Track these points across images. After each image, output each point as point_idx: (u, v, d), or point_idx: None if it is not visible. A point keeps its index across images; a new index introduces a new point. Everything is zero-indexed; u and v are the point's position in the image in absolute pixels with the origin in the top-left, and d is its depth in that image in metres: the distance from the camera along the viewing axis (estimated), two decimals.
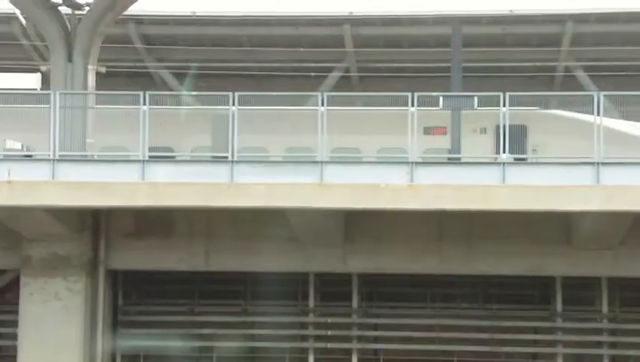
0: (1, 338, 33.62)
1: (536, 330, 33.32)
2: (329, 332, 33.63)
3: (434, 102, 31.61)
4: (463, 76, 36.52)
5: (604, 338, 33.08)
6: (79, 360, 32.31)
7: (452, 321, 33.34)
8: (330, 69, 43.36)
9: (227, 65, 43.16)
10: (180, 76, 42.90)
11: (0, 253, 32.86)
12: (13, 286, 32.94)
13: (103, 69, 34.92)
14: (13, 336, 32.56)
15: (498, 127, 30.29)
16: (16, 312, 32.46)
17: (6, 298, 33.47)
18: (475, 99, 31.69)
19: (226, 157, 29.88)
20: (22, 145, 32.28)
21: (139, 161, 29.97)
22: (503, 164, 29.56)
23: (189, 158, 32.27)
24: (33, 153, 31.73)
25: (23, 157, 31.67)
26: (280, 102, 32.58)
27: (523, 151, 31.42)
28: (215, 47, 43.22)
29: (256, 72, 43.37)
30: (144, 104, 30.33)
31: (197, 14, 42.40)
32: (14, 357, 32.38)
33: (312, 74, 42.58)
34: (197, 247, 32.74)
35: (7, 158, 31.00)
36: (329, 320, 33.70)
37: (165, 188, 29.84)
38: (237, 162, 29.70)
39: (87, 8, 34.32)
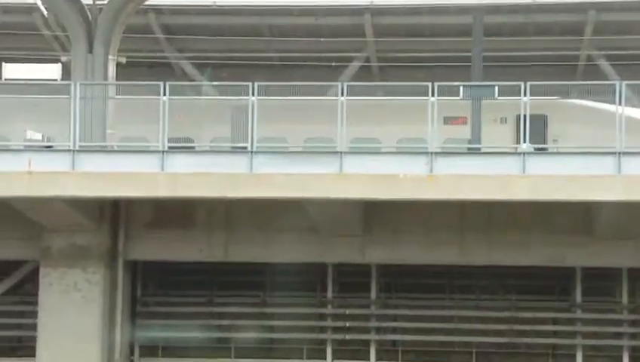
0: (21, 329, 33.62)
1: (555, 321, 33.30)
2: (347, 324, 33.56)
3: (454, 92, 31.57)
4: (484, 66, 36.10)
5: (624, 329, 32.93)
6: (98, 350, 32.31)
7: (471, 312, 33.31)
8: (350, 59, 43.33)
9: (247, 55, 43.22)
10: (200, 66, 42.93)
11: (20, 243, 32.74)
12: (33, 277, 32.84)
13: (124, 60, 34.72)
14: (33, 327, 32.54)
15: (519, 116, 30.41)
16: (35, 303, 32.57)
17: (25, 288, 33.40)
18: (496, 88, 31.67)
19: (246, 148, 29.81)
20: (42, 136, 31.98)
21: (158, 151, 29.99)
22: (524, 154, 29.47)
23: (208, 149, 32.12)
24: (53, 144, 31.51)
25: (44, 148, 31.42)
26: (300, 92, 32.33)
27: (544, 141, 31.75)
28: (235, 37, 43.12)
29: (277, 62, 43.40)
30: (164, 94, 30.32)
31: (217, 4, 42.43)
32: (33, 347, 32.42)
33: (332, 64, 42.46)
34: (216, 238, 32.71)
35: (28, 149, 30.94)
36: (347, 311, 33.65)
37: (185, 178, 29.84)
38: (256, 153, 29.69)
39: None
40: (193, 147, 32.44)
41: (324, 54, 42.94)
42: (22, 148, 31.31)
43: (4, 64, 34.87)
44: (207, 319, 33.86)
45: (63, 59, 36.14)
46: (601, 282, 33.27)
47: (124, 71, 35.20)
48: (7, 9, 42.20)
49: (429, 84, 29.90)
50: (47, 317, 32.22)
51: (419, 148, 29.83)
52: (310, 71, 41.01)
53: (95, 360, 32.30)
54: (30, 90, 32.52)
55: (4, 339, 34.04)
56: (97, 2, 34.29)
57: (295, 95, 31.75)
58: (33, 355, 32.50)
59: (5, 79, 33.74)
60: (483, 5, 39.73)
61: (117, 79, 34.26)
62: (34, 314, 32.57)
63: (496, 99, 31.51)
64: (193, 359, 33.89)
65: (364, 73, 43.09)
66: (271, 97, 30.59)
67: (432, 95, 29.63)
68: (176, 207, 32.09)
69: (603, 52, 42.14)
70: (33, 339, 32.51)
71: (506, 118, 32.76)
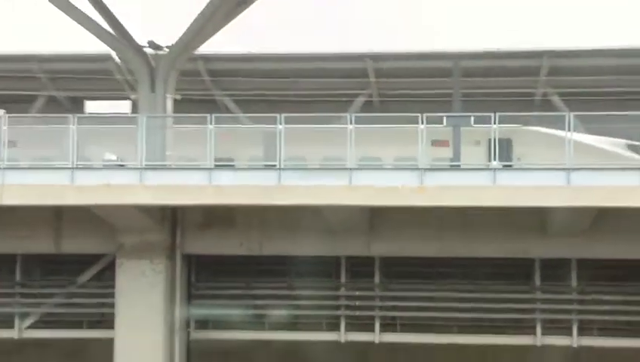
0: (103, 307, 34.11)
1: (519, 301, 33.78)
2: (357, 303, 34.31)
3: (439, 121, 32.74)
4: (462, 100, 37.29)
5: (573, 307, 33.59)
6: (162, 324, 33.03)
7: (452, 294, 33.79)
8: (356, 95, 43.54)
9: (275, 92, 43.43)
10: (238, 102, 43.11)
11: (100, 241, 33.38)
12: (111, 266, 33.62)
13: (179, 97, 35.56)
14: (112, 305, 33.33)
15: (490, 140, 31.18)
16: (113, 287, 33.41)
17: (105, 275, 33.86)
18: (472, 118, 32.93)
19: (275, 165, 30.68)
20: (116, 157, 33.12)
21: (207, 168, 30.88)
22: (494, 169, 30.40)
23: (245, 166, 32.44)
24: (125, 163, 32.43)
25: (118, 166, 32.46)
26: (317, 121, 33.96)
27: (509, 159, 32.36)
28: (266, 79, 43.43)
29: (298, 98, 43.44)
30: (210, 124, 31.30)
31: (251, 53, 42.98)
32: (112, 321, 33.29)
33: (343, 99, 42.80)
34: (253, 236, 33.44)
35: (106, 167, 32.22)
36: (357, 293, 34.42)
37: (227, 189, 30.76)
38: (283, 169, 30.57)
39: (166, 49, 35.02)
40: (233, 165, 32.68)
41: (336, 91, 43.24)
42: (101, 166, 32.39)
43: (86, 101, 35.92)
44: (245, 300, 34.53)
45: (132, 97, 36.90)
46: (555, 270, 33.83)
47: (179, 106, 36.01)
48: (88, 58, 42.32)
49: (419, 115, 30.82)
50: (122, 298, 33.12)
51: (412, 165, 30.58)
52: (325, 105, 41.18)
53: (160, 332, 32.97)
54: (107, 121, 33.99)
55: (90, 315, 34.79)
56: (158, 52, 35.00)
57: (313, 124, 33.30)
58: (112, 327, 33.24)
59: (88, 113, 34.51)
60: (460, 53, 40.00)
61: (173, 112, 35.10)
62: (112, 296, 33.35)
63: (472, 126, 32.64)
64: (235, 331, 34.44)
65: (368, 106, 43.22)
66: (294, 125, 31.55)
67: (422, 123, 30.65)
68: (221, 212, 32.72)
69: (555, 89, 42.17)
70: (112, 315, 33.35)
71: (479, 141, 32.93)
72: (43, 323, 35.08)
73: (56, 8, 35.07)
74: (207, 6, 34.54)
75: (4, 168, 31.22)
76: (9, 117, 33.40)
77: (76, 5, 34.99)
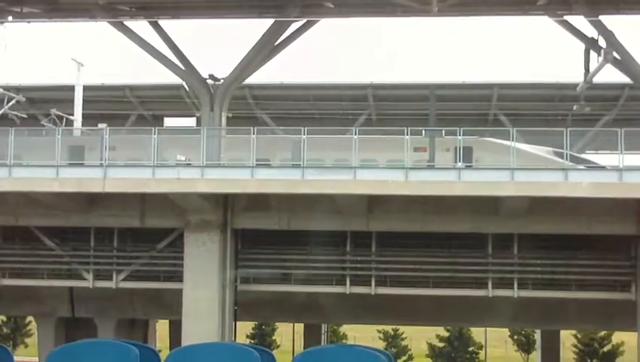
0: (175, 266, 33.50)
1: (477, 264, 33.06)
2: (358, 265, 33.55)
3: (420, 133, 32.90)
4: (436, 118, 36.83)
5: (514, 268, 32.89)
6: (217, 281, 32.44)
7: (429, 259, 33.11)
8: (359, 114, 43.11)
9: (300, 111, 43.06)
10: (274, 118, 42.69)
11: (173, 219, 32.85)
12: (180, 238, 33.05)
13: (230, 115, 35.11)
14: (181, 265, 32.81)
15: (456, 148, 30.72)
16: (182, 252, 32.83)
17: (176, 244, 33.33)
18: (443, 131, 32.86)
19: (299, 165, 30.31)
20: (185, 158, 32.71)
21: (250, 166, 30.51)
22: (459, 169, 30.06)
23: (279, 165, 32.26)
24: (191, 162, 32.04)
25: (186, 165, 32.07)
26: (331, 133, 33.92)
27: (470, 162, 31.74)
28: (293, 101, 43.09)
29: (317, 115, 43.21)
30: (253, 134, 31.03)
31: (283, 83, 42.48)
32: (181, 276, 32.73)
33: (350, 117, 42.39)
34: (283, 216, 32.65)
35: (177, 165, 31.67)
36: (358, 258, 33.66)
37: (265, 182, 30.41)
38: (306, 167, 30.20)
39: (222, 80, 34.39)
40: (270, 164, 32.33)
41: (344, 111, 42.84)
42: (174, 165, 31.82)
43: (165, 118, 35.34)
44: (277, 262, 33.81)
45: (197, 115, 36.48)
46: (502, 242, 32.95)
47: (230, 121, 35.57)
48: (166, 87, 42.01)
49: (405, 128, 30.56)
50: (188, 261, 32.59)
51: (399, 165, 30.16)
52: (336, 121, 40.97)
53: (215, 286, 32.33)
54: (178, 132, 33.33)
55: (165, 272, 34.26)
56: (216, 82, 34.42)
57: (328, 135, 33.18)
58: (182, 281, 32.68)
59: (165, 127, 33.92)
60: (435, 84, 39.41)
61: (226, 126, 34.49)
62: (181, 258, 32.84)
63: (443, 137, 32.54)
64: (269, 285, 33.91)
65: (368, 122, 42.83)
66: (314, 136, 31.30)
67: (407, 135, 30.23)
68: (260, 198, 32.09)
69: (502, 111, 41.63)
70: (181, 272, 32.84)
71: (449, 148, 32.36)
72: (132, 277, 34.72)
73: (143, 51, 34.53)
74: (251, 50, 34.03)
75: (107, 166, 31.21)
76: (110, 129, 33.97)
77: (157, 48, 34.46)
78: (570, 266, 32.56)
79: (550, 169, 30.60)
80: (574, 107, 36.54)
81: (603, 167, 31.97)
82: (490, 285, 32.83)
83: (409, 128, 30.65)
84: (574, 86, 35.05)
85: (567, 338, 59.48)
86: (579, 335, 61.79)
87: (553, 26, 33.67)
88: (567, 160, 31.35)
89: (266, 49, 34.05)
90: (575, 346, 62.16)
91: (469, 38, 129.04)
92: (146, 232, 34.17)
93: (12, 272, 34.99)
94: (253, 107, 43.34)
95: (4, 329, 68.11)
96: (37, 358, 40.30)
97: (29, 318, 61.57)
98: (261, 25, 33.96)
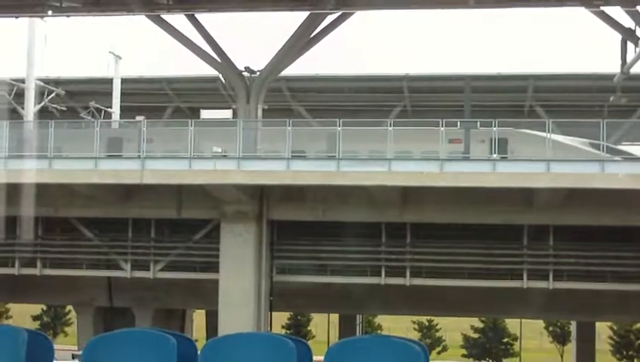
0: (211, 257, 33.36)
1: (511, 256, 32.69)
2: (393, 256, 33.23)
3: (455, 125, 32.54)
4: (471, 110, 36.27)
5: (549, 260, 32.52)
6: (253, 272, 32.43)
7: (463, 251, 32.75)
8: (394, 106, 42.87)
9: (335, 103, 43.06)
10: (309, 110, 42.60)
11: (209, 210, 32.71)
12: (217, 228, 33.02)
13: (266, 106, 35.13)
14: (217, 256, 32.80)
15: (492, 139, 30.54)
16: (218, 243, 32.83)
17: (213, 235, 33.27)
18: (478, 123, 32.55)
19: (335, 156, 30.20)
20: (221, 150, 32.64)
21: (285, 158, 30.47)
22: (494, 160, 29.84)
23: (313, 157, 32.09)
24: (227, 154, 31.95)
25: (222, 156, 32.02)
26: (366, 125, 33.77)
27: (505, 153, 31.46)
28: (329, 93, 43.07)
29: (352, 107, 43.02)
30: (288, 126, 31.03)
31: (318, 75, 42.51)
32: (218, 267, 32.70)
33: (384, 108, 42.15)
34: (318, 206, 32.46)
35: (214, 157, 31.68)
36: (393, 249, 33.35)
37: (300, 174, 30.38)
38: (341, 159, 30.06)
39: (258, 73, 34.34)
40: (305, 156, 32.23)
41: (379, 103, 42.71)
42: (210, 156, 31.82)
43: (201, 110, 35.59)
44: (312, 253, 33.64)
45: (233, 107, 36.47)
46: (537, 233, 32.47)
47: (266, 113, 35.59)
48: (202, 80, 42.18)
49: (440, 120, 30.57)
50: (224, 251, 32.60)
51: (434, 156, 30.02)
52: (371, 113, 40.76)
53: (251, 275, 32.32)
54: (215, 124, 33.56)
55: (203, 262, 34.02)
56: (252, 75, 34.39)
57: (363, 127, 32.98)
58: (218, 271, 32.60)
59: (202, 119, 34.06)
60: (470, 75, 39.14)
61: (262, 118, 34.48)
62: (217, 249, 32.82)
63: (479, 129, 32.17)
64: (305, 276, 33.84)
65: (403, 114, 42.61)
66: (349, 127, 31.31)
67: (442, 126, 30.17)
68: (295, 189, 31.84)
69: (538, 102, 41.36)
70: (217, 263, 32.80)
71: (484, 140, 32.07)
72: (169, 267, 34.77)
73: (180, 44, 34.49)
74: (287, 43, 33.89)
75: (144, 158, 31.28)
76: (148, 121, 34.04)
77: (194, 41, 34.37)
78: (606, 258, 32.17)
79: (586, 160, 30.31)
80: (611, 98, 36.14)
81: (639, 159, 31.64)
82: (525, 276, 32.46)
83: (444, 120, 30.53)
84: (611, 77, 34.67)
85: (603, 330, 58.95)
86: (615, 327, 61.22)
87: (589, 17, 33.24)
88: (603, 151, 31.02)
89: (301, 41, 33.96)
90: (611, 338, 61.63)
91: (504, 30, 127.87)
92: (183, 223, 34.12)
93: (52, 262, 35.32)
94: (289, 99, 43.19)
95: (45, 318, 68.98)
96: (76, 346, 40.65)
97: (69, 307, 62.19)
98: (297, 18, 34.03)
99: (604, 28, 33.06)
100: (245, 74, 34.61)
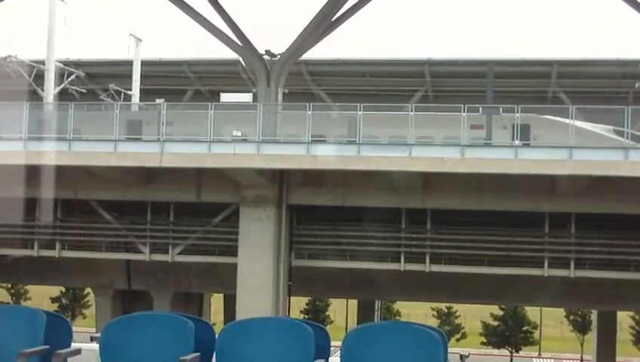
0: (230, 240, 33.28)
1: (533, 243, 32.40)
2: (413, 243, 33.13)
3: (476, 110, 32.11)
4: (494, 95, 36.36)
5: (571, 248, 32.29)
6: (272, 255, 32.36)
7: (484, 237, 32.45)
8: (415, 91, 42.69)
9: (356, 87, 42.92)
10: (329, 94, 42.45)
11: (229, 194, 32.68)
12: (236, 212, 32.99)
13: (286, 90, 35.03)
14: (236, 240, 32.71)
15: (513, 125, 30.24)
16: (237, 227, 32.70)
17: (232, 219, 33.17)
18: (500, 108, 32.34)
19: (355, 141, 29.95)
20: (241, 133, 32.50)
21: (305, 142, 30.21)
22: (516, 147, 29.35)
23: (333, 141, 31.90)
24: (247, 138, 31.85)
25: (242, 140, 31.89)
26: (387, 109, 33.32)
27: (527, 139, 31.16)
28: (349, 77, 42.93)
29: (373, 92, 42.84)
30: (309, 110, 30.91)
31: (339, 58, 42.35)
32: (236, 251, 32.60)
33: (406, 93, 41.96)
34: (338, 192, 32.39)
35: (233, 141, 31.48)
36: (413, 235, 33.24)
37: (320, 158, 30.03)
38: (362, 144, 29.78)
39: (278, 56, 34.37)
40: (325, 140, 32.00)
41: (400, 87, 42.51)
42: (230, 140, 31.57)
43: (221, 93, 35.36)
44: (331, 238, 33.57)
45: (253, 90, 36.40)
46: (559, 221, 32.36)
47: (287, 97, 35.50)
48: (223, 63, 42.15)
49: (462, 105, 30.09)
50: (243, 235, 32.49)
51: (455, 142, 29.67)
52: (392, 97, 40.51)
53: (269, 260, 32.26)
54: (235, 108, 33.36)
55: (222, 246, 34.02)
56: (272, 58, 34.38)
57: (384, 111, 32.59)
58: (236, 255, 32.52)
59: (222, 102, 33.94)
60: (493, 60, 39.00)
61: (282, 102, 34.43)
62: (236, 233, 32.71)
63: (501, 115, 31.90)
64: (324, 261, 33.72)
65: (424, 99, 42.43)
66: (370, 112, 30.92)
67: (464, 112, 29.79)
68: (315, 174, 31.75)
69: (561, 88, 41.10)
70: (236, 247, 32.71)
71: (506, 126, 31.83)
72: (188, 251, 34.80)
73: (200, 26, 34.53)
74: (309, 25, 33.80)
75: (164, 141, 31.12)
76: (167, 104, 33.81)
77: (214, 24, 34.41)
78: (629, 246, 31.92)
79: (610, 148, 29.91)
80: (636, 84, 35.91)
81: None
82: (546, 264, 32.18)
83: (466, 105, 30.20)
84: (636, 63, 34.44)
85: (625, 319, 58.72)
86: (637, 317, 60.96)
87: (615, 1, 32.93)
88: (627, 138, 30.49)
89: (322, 25, 33.90)
90: (632, 328, 61.42)
91: (528, 14, 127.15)
92: (202, 207, 34.02)
93: (71, 244, 35.52)
94: (310, 83, 43.09)
95: (64, 301, 69.52)
96: (94, 329, 40.91)
97: (87, 290, 62.65)
98: (318, 0, 33.98)
99: (630, 13, 32.79)
100: (266, 57, 34.52)
